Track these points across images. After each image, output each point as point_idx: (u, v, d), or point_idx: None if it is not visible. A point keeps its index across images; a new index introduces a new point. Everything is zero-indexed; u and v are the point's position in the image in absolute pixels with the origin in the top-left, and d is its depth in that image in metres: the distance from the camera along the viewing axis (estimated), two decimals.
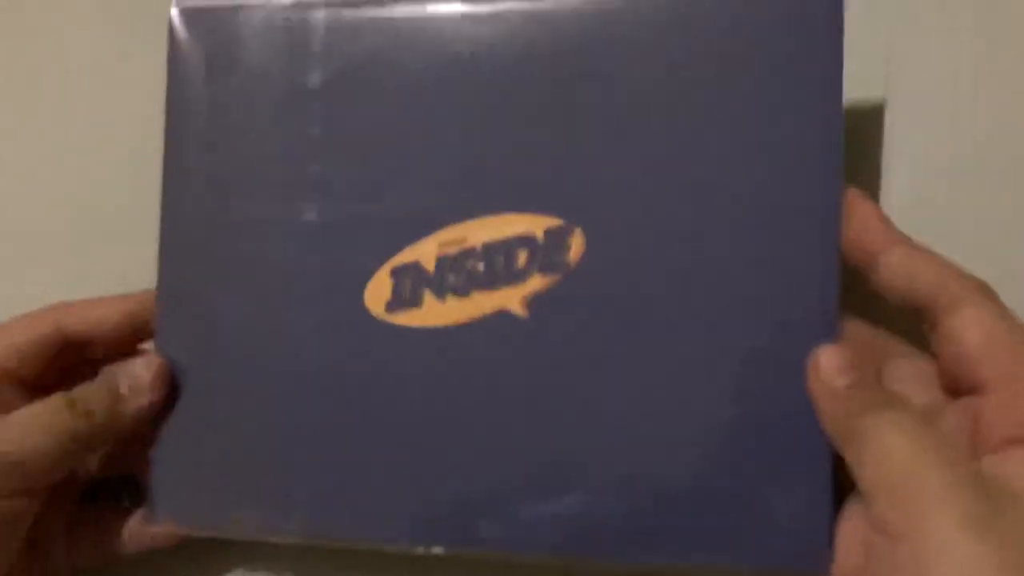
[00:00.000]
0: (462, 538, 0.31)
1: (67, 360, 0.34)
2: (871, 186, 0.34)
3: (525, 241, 0.31)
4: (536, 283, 0.31)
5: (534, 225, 0.31)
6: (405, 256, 0.32)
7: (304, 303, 0.33)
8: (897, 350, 0.30)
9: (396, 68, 0.32)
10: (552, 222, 0.31)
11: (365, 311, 0.32)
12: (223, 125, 0.34)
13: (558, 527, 0.30)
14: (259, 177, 0.33)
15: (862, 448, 0.26)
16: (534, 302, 0.31)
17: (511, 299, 0.31)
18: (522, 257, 0.31)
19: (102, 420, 0.32)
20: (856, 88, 0.30)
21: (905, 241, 0.28)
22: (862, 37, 0.30)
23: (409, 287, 0.32)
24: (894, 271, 0.28)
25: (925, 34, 0.35)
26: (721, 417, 0.30)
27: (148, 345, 0.35)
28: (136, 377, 0.33)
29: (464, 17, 0.32)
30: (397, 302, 0.32)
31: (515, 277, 0.31)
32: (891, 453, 0.25)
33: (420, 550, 0.31)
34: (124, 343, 0.35)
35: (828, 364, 0.28)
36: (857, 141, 0.33)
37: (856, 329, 0.30)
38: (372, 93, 0.33)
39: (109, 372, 0.34)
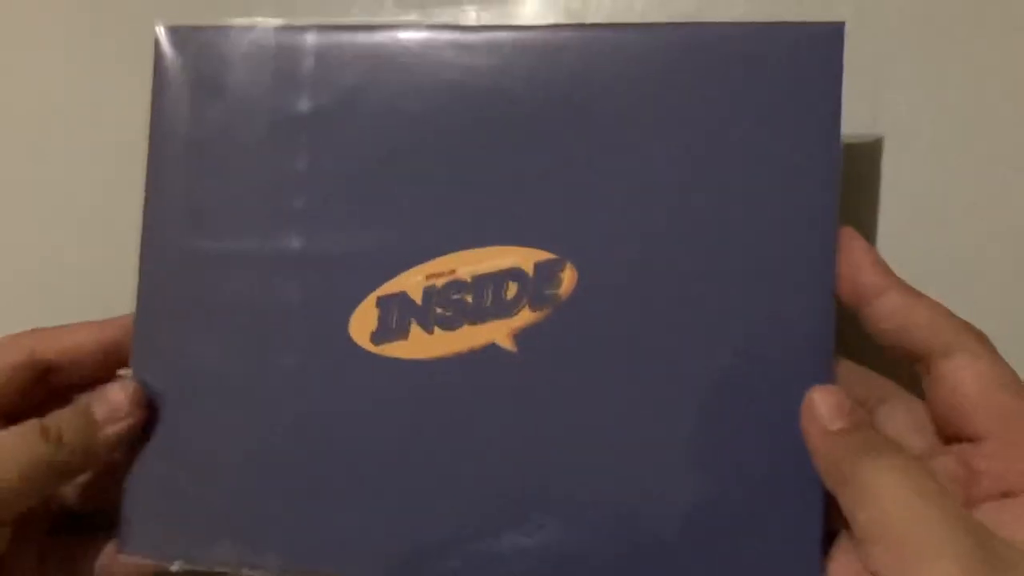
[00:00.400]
0: (444, 571, 0.31)
1: (42, 388, 0.34)
2: (867, 223, 0.34)
3: (515, 274, 0.31)
4: (525, 317, 0.30)
5: (524, 258, 0.31)
6: (392, 286, 0.31)
7: (286, 331, 0.32)
8: (890, 392, 0.30)
9: (386, 96, 0.32)
10: (543, 256, 0.30)
11: (350, 341, 0.32)
12: (208, 149, 0.33)
13: (543, 562, 0.30)
14: (243, 203, 0.33)
15: (858, 492, 0.26)
16: (523, 336, 0.30)
17: (499, 333, 0.31)
18: (511, 290, 0.31)
19: (76, 447, 0.31)
20: (851, 125, 0.30)
21: (899, 284, 0.28)
22: (856, 74, 0.30)
23: (396, 318, 0.31)
24: (888, 314, 0.28)
25: (919, 70, 0.35)
26: (710, 455, 0.29)
27: (125, 372, 0.34)
28: (111, 402, 0.32)
29: (455, 46, 0.31)
30: (383, 333, 0.31)
31: (504, 311, 0.31)
32: (888, 498, 0.25)
33: None
34: (101, 370, 0.34)
35: (823, 405, 0.27)
36: (852, 178, 0.33)
37: (850, 370, 0.29)
38: (361, 120, 0.32)
39: (84, 398, 0.33)
